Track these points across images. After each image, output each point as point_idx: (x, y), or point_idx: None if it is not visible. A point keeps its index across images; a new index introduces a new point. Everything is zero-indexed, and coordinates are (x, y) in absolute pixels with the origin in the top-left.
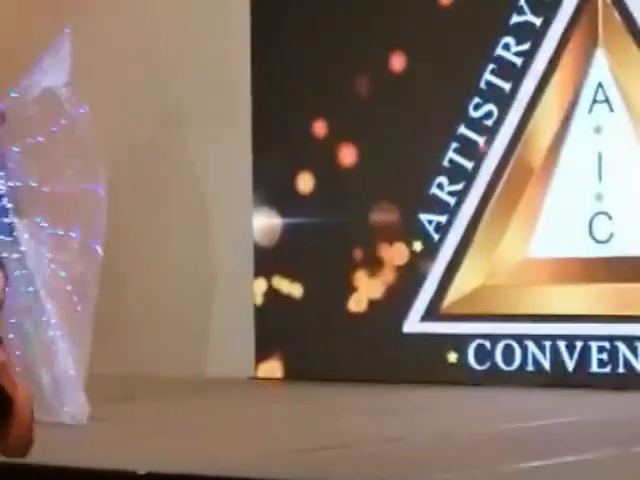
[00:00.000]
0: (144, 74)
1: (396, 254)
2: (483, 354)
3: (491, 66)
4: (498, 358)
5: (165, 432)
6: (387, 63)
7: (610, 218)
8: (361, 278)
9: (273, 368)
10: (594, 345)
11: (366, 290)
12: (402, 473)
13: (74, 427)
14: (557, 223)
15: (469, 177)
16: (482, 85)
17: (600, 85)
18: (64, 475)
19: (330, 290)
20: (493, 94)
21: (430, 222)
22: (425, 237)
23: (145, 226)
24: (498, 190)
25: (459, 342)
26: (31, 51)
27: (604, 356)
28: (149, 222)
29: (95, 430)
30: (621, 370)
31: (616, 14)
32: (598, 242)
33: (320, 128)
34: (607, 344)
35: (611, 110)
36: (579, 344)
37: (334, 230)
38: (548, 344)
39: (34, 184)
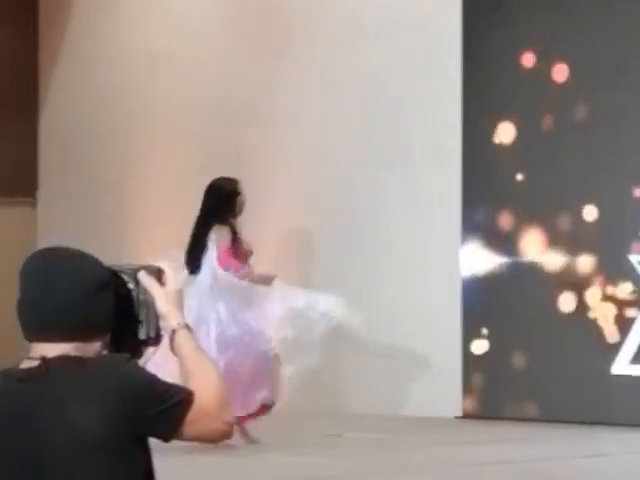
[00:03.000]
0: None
1: (604, 296)
2: None
3: None
4: None
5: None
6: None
7: None
8: (568, 320)
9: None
10: None
11: (574, 332)
12: None
13: None
14: None
15: None
16: None
17: None
18: None
19: (536, 332)
20: None
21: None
22: (636, 278)
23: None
24: None
25: None
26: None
27: None
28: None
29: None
30: None
31: None
32: None
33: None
34: None
35: None
36: None
37: (539, 274)
38: None
39: None
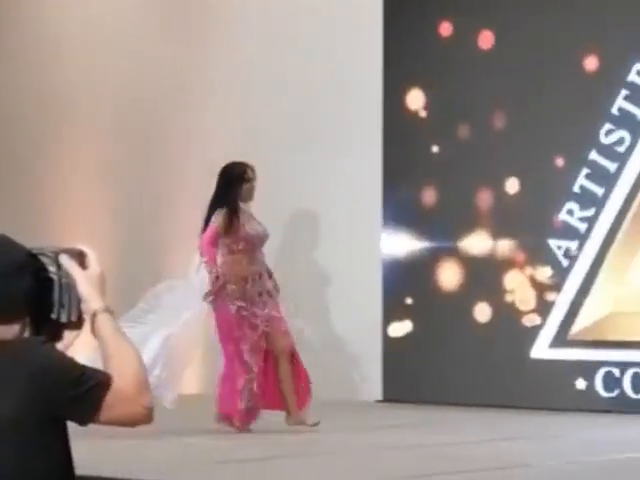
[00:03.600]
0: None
1: (525, 280)
2: (611, 381)
3: (624, 92)
4: (627, 385)
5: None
6: (519, 91)
7: None
8: (489, 304)
9: (400, 391)
10: None
11: (495, 316)
12: None
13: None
14: None
15: (600, 203)
16: (614, 111)
17: None
18: None
19: (459, 317)
20: (625, 120)
21: (559, 248)
22: (554, 263)
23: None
24: (629, 216)
25: (587, 369)
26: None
27: None
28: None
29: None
30: None
31: None
32: None
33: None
34: None
35: None
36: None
37: (462, 256)
38: None
39: None
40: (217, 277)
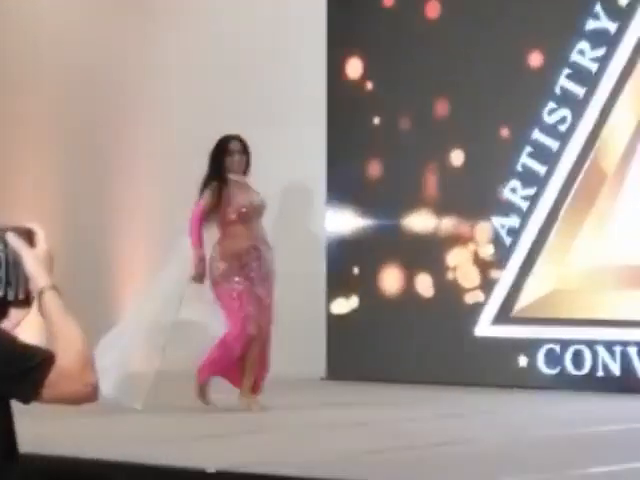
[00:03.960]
0: (221, 76)
1: (468, 257)
2: (553, 358)
3: (566, 71)
4: (568, 363)
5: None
6: (463, 68)
7: None
8: (433, 281)
9: (343, 369)
10: None
11: (438, 293)
12: (471, 475)
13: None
14: (629, 228)
15: (542, 182)
16: (557, 90)
17: None
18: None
19: (403, 294)
20: (568, 99)
21: (503, 226)
22: (497, 241)
23: None
24: (571, 195)
25: (529, 346)
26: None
27: None
28: None
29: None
30: None
31: None
32: None
33: (395, 127)
34: None
35: None
36: None
37: (407, 232)
38: (619, 350)
39: None
40: (200, 259)
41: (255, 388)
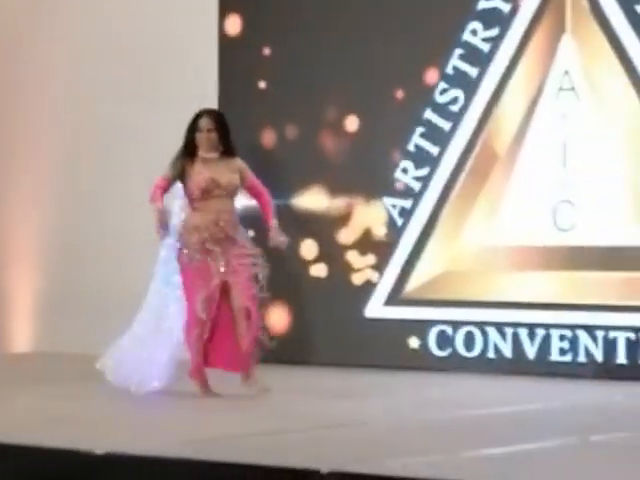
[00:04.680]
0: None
1: (360, 238)
2: (444, 340)
3: (458, 51)
4: (459, 344)
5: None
6: (355, 46)
7: (573, 206)
8: (325, 262)
9: None
10: (555, 333)
11: (329, 274)
12: (363, 457)
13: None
14: (521, 210)
15: (434, 162)
16: (449, 70)
17: (566, 72)
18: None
19: (292, 272)
20: (460, 79)
21: (394, 207)
22: (389, 222)
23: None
24: (463, 176)
25: (421, 328)
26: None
27: (565, 344)
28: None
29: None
30: (581, 359)
31: (584, 1)
32: (561, 230)
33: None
34: (568, 332)
35: (576, 97)
36: (540, 332)
37: (300, 212)
38: (509, 331)
39: None
40: (160, 211)
41: (243, 366)
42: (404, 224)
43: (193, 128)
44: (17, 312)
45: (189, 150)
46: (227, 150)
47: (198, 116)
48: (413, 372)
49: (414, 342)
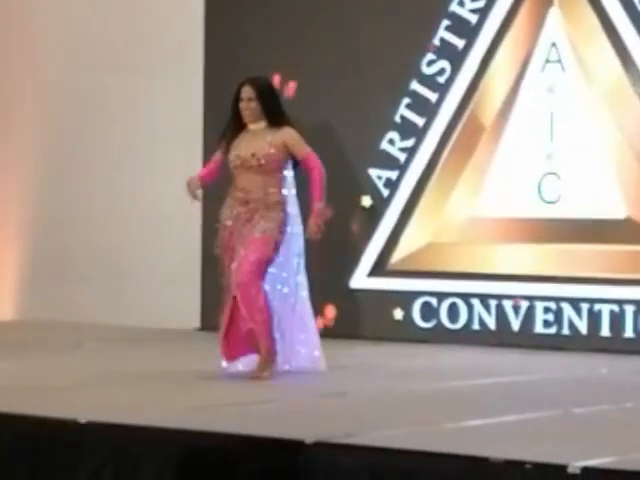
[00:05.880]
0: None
1: (345, 209)
2: (429, 311)
3: (445, 22)
4: (444, 316)
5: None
6: (341, 17)
7: (559, 178)
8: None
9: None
10: (539, 305)
11: (313, 245)
12: (346, 429)
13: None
14: (506, 182)
15: (420, 133)
16: (436, 42)
17: (553, 44)
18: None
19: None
20: (446, 51)
21: (380, 178)
22: (374, 193)
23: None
24: (449, 147)
25: (405, 299)
26: None
27: (549, 317)
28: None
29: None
30: (565, 331)
31: None
32: (546, 202)
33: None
34: (553, 305)
35: (563, 70)
36: (525, 304)
37: None
38: (494, 303)
39: None
40: (187, 182)
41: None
42: (390, 195)
43: (236, 99)
44: (0, 281)
45: (236, 121)
46: (273, 120)
47: (242, 84)
48: (397, 343)
49: (398, 313)
